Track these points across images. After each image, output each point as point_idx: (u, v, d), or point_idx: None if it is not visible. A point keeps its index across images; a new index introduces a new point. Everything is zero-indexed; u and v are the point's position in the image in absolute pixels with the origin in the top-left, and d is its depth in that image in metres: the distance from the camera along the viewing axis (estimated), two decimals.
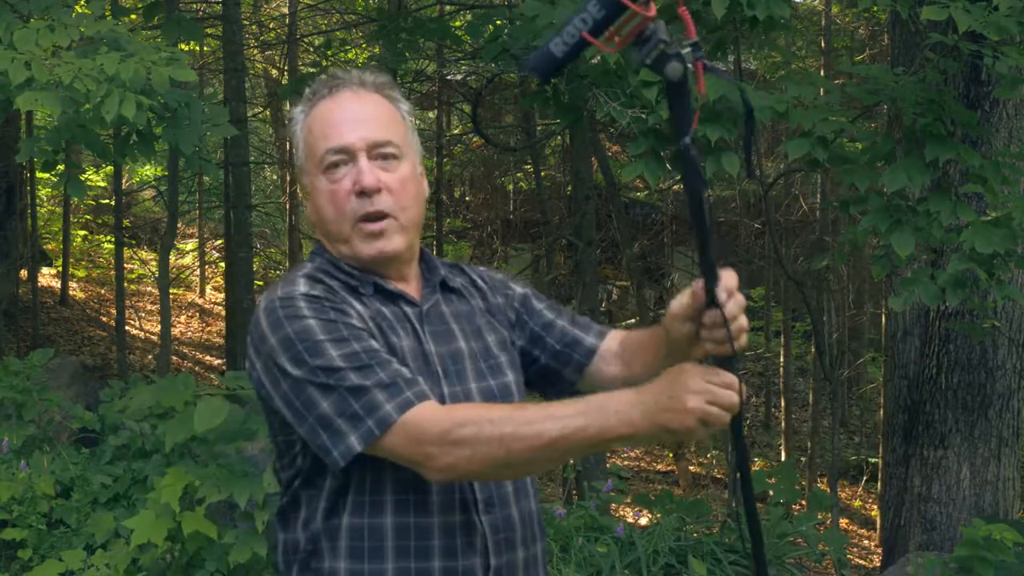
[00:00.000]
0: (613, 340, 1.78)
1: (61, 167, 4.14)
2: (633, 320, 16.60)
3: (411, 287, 1.67)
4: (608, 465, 7.90)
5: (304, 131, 1.64)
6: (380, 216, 1.60)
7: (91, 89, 3.59)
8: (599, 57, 4.26)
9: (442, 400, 1.55)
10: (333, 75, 1.66)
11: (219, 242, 13.98)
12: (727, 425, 1.46)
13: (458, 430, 1.44)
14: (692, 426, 1.42)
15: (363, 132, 1.60)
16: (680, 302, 1.50)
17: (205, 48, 11.78)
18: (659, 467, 12.86)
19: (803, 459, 12.12)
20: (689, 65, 1.32)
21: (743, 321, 1.46)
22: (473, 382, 1.62)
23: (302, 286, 1.57)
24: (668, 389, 1.42)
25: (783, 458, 12.11)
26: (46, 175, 4.14)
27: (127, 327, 8.99)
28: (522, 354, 1.76)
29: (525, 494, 1.63)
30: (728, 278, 1.44)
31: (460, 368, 1.62)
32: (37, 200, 11.46)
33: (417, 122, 1.78)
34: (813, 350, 10.93)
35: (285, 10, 12.62)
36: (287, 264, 13.55)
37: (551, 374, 1.78)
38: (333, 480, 1.55)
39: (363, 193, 1.59)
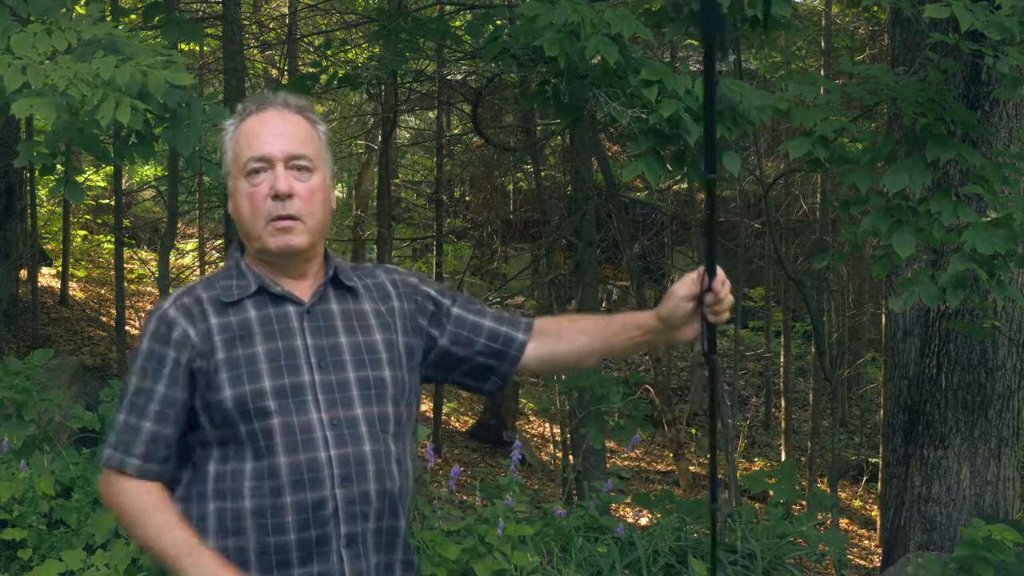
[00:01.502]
0: (540, 330, 2.03)
1: (60, 168, 4.13)
2: None
3: (304, 285, 1.90)
4: (608, 465, 7.90)
5: (233, 140, 1.89)
6: (290, 218, 1.85)
7: (86, 94, 3.58)
8: (599, 57, 4.25)
9: (313, 386, 1.81)
10: (263, 96, 1.94)
11: (219, 242, 13.98)
12: None
13: (108, 499, 1.91)
14: None
15: (282, 145, 1.85)
16: (685, 286, 1.84)
17: (205, 48, 11.77)
18: (659, 467, 12.86)
19: (803, 459, 12.12)
20: None
21: (731, 300, 1.84)
22: (352, 372, 1.84)
23: (180, 304, 1.86)
24: None
25: (783, 458, 12.11)
26: (46, 176, 4.15)
27: (127, 327, 8.99)
28: (445, 355, 1.99)
29: (389, 473, 1.83)
30: (720, 272, 1.81)
31: (339, 359, 1.85)
32: (37, 200, 11.45)
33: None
34: (813, 350, 10.92)
35: (285, 10, 12.62)
36: None
37: (485, 369, 2.01)
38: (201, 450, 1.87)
39: (277, 197, 1.84)
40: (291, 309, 1.87)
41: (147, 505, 1.82)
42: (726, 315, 1.83)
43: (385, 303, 1.95)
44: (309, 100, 1.96)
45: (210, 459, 1.83)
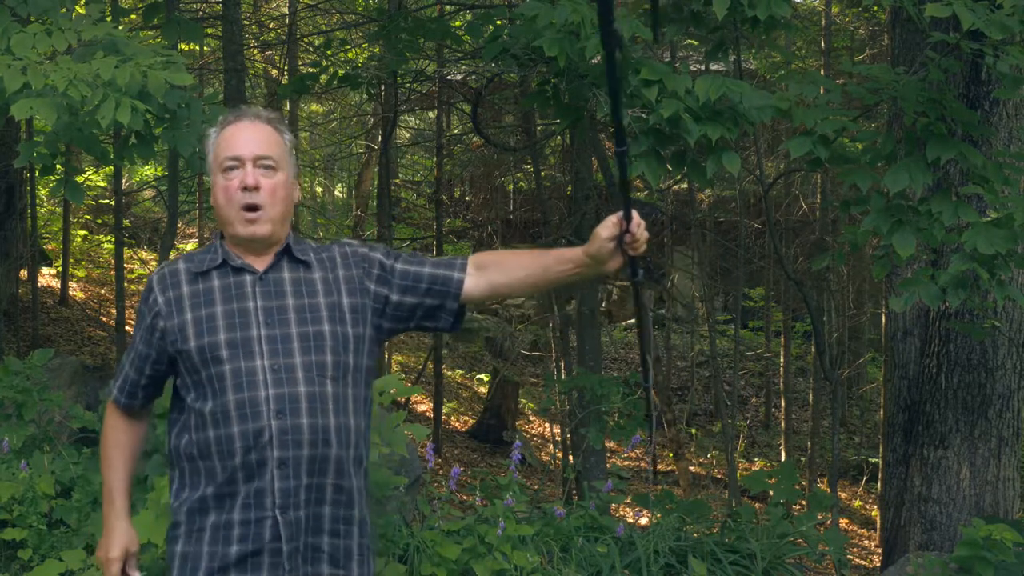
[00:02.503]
0: (474, 262, 2.37)
1: (60, 168, 4.12)
2: (633, 320, 16.59)
3: (263, 260, 2.30)
4: (608, 465, 7.90)
5: (214, 144, 2.32)
6: (255, 208, 2.26)
7: (86, 95, 3.58)
8: (599, 57, 4.25)
9: (260, 339, 2.22)
10: (240, 109, 2.37)
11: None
12: None
13: (104, 422, 2.47)
14: (99, 555, 2.41)
15: (251, 148, 2.27)
16: (606, 228, 2.22)
17: (205, 48, 11.77)
18: (659, 467, 12.86)
19: (803, 459, 12.12)
20: None
21: (646, 235, 2.22)
22: (294, 327, 2.24)
23: (161, 273, 2.32)
24: (108, 531, 2.39)
25: (783, 458, 12.10)
26: (46, 177, 4.15)
27: (127, 327, 8.99)
28: (399, 307, 2.35)
29: (323, 410, 2.20)
30: (636, 215, 2.21)
31: (284, 317, 2.25)
32: (37, 200, 11.45)
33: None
34: (813, 350, 10.92)
35: (285, 10, 12.62)
36: None
37: (435, 309, 2.36)
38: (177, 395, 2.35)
39: (246, 188, 2.25)
40: (247, 277, 2.29)
41: (111, 440, 2.42)
42: (643, 248, 2.23)
43: (333, 271, 2.32)
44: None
45: (188, 399, 2.26)
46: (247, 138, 2.28)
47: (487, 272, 2.35)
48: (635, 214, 2.20)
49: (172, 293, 2.28)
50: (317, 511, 2.22)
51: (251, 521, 2.19)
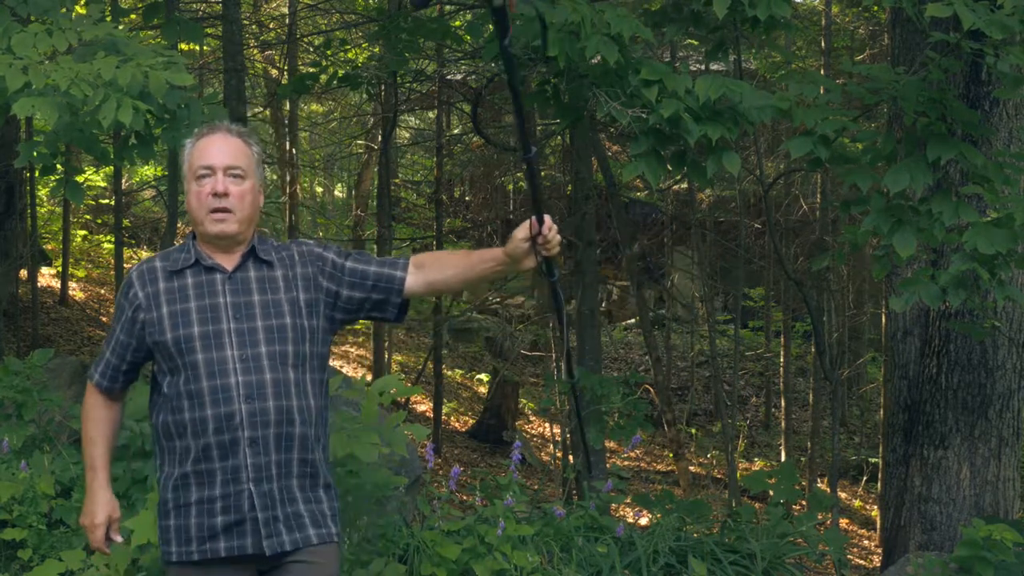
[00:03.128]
0: (414, 263, 2.66)
1: (60, 168, 4.12)
2: (632, 320, 16.60)
3: (232, 259, 2.58)
4: (608, 465, 7.90)
5: (189, 154, 2.60)
6: (224, 211, 2.54)
7: (88, 95, 3.58)
8: (599, 57, 4.25)
9: (229, 332, 2.50)
10: (214, 124, 2.65)
11: None
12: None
13: (83, 401, 2.74)
14: (83, 522, 2.70)
15: (223, 158, 2.55)
16: (522, 230, 2.49)
17: (205, 48, 11.77)
18: (659, 467, 12.86)
19: (803, 459, 12.11)
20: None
21: (558, 238, 2.49)
22: (260, 321, 2.53)
23: (140, 269, 2.61)
24: (91, 499, 2.66)
25: (783, 458, 12.10)
26: (46, 177, 4.15)
27: None
28: (350, 301, 2.64)
29: (287, 393, 2.50)
30: (548, 219, 2.47)
31: (251, 312, 2.53)
32: (37, 200, 11.45)
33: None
34: (813, 350, 10.92)
35: (285, 10, 12.62)
36: None
37: (382, 303, 2.66)
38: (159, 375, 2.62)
39: (216, 194, 2.53)
40: (218, 276, 2.56)
41: (92, 417, 2.69)
42: (556, 250, 2.50)
43: (292, 269, 2.61)
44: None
45: (165, 384, 2.54)
46: (218, 149, 2.56)
47: (424, 271, 2.65)
48: (547, 218, 2.47)
49: (150, 289, 2.57)
50: (288, 483, 2.52)
51: (231, 494, 2.48)
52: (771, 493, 5.36)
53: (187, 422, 2.48)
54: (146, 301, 2.56)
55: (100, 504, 2.65)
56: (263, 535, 2.49)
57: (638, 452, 12.81)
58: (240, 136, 2.62)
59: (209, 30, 9.78)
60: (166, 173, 9.87)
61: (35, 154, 3.98)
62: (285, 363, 2.51)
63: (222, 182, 2.54)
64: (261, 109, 13.44)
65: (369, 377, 9.49)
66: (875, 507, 11.44)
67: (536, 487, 7.95)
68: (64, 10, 4.14)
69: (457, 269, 2.66)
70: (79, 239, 13.82)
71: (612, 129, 10.56)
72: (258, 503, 2.48)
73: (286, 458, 2.51)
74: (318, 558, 2.55)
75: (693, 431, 13.56)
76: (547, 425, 13.21)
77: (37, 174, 6.35)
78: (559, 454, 9.72)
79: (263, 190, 2.69)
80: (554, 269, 2.58)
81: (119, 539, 2.70)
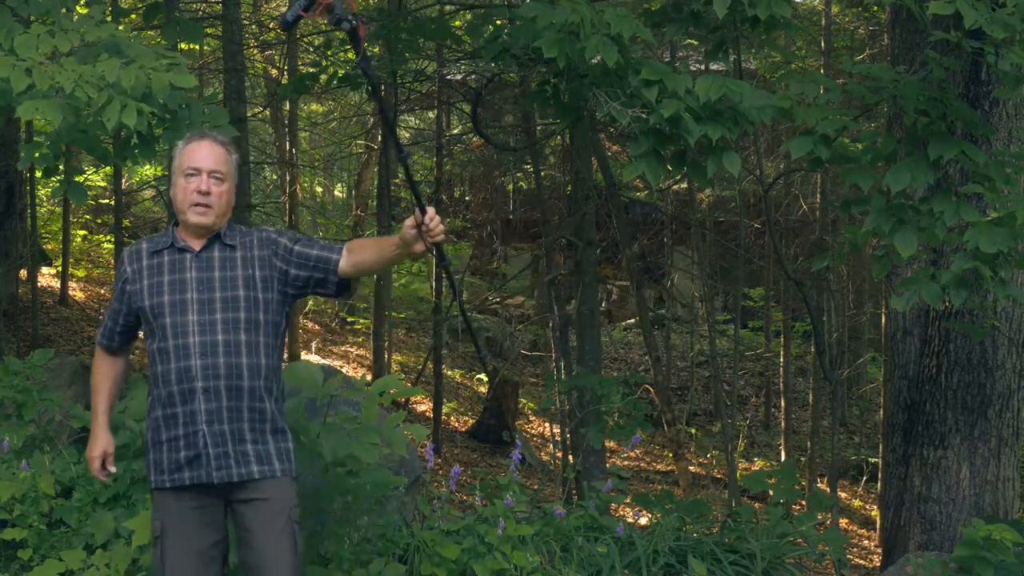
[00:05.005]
0: (347, 248, 3.16)
1: (61, 169, 4.12)
2: (632, 320, 16.60)
3: (200, 242, 3.12)
4: (608, 465, 7.90)
5: (180, 153, 3.15)
6: (206, 206, 3.09)
7: (92, 96, 3.59)
8: (599, 57, 4.25)
9: (193, 301, 3.06)
10: (202, 131, 3.26)
11: None
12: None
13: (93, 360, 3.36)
14: (86, 455, 3.30)
15: (208, 162, 3.11)
16: (410, 220, 2.93)
17: (205, 48, 11.77)
18: (659, 467, 12.86)
19: (803, 459, 12.11)
20: (353, 22, 2.69)
21: (441, 227, 2.94)
22: (218, 292, 3.07)
23: (130, 250, 3.19)
24: (93, 437, 3.25)
25: (783, 458, 12.10)
26: (47, 178, 4.16)
27: None
28: (296, 279, 3.15)
29: (237, 352, 3.04)
30: (431, 211, 2.93)
31: (211, 285, 3.08)
32: (37, 200, 11.45)
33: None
34: (813, 350, 10.92)
35: (285, 10, 12.60)
36: None
37: (322, 280, 3.16)
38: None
39: (200, 192, 3.08)
40: (188, 255, 3.12)
41: (98, 372, 3.30)
42: (440, 237, 2.95)
43: (251, 251, 3.14)
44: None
45: (148, 342, 3.11)
46: (205, 154, 3.11)
47: (352, 254, 3.14)
48: (430, 210, 2.93)
49: (136, 265, 3.14)
50: (239, 426, 3.03)
51: (190, 434, 3.02)
52: (771, 493, 5.36)
53: (159, 374, 3.04)
54: (132, 275, 3.13)
55: (99, 441, 3.23)
56: (214, 467, 3.01)
57: (638, 452, 12.82)
58: (223, 145, 3.17)
59: (209, 30, 9.78)
60: (166, 173, 9.86)
61: (37, 155, 3.98)
62: (237, 327, 3.05)
63: (206, 182, 3.09)
64: (261, 109, 13.44)
65: (369, 377, 9.49)
66: (875, 507, 11.44)
67: (536, 487, 7.96)
68: (65, 11, 4.14)
69: (373, 252, 3.16)
70: (79, 239, 13.82)
71: (612, 129, 10.56)
72: (210, 441, 3.01)
73: (236, 405, 3.03)
74: (268, 494, 3.04)
75: (693, 431, 13.56)
76: (547, 425, 13.21)
77: (38, 175, 6.35)
78: (559, 454, 9.72)
79: (236, 190, 3.23)
80: (444, 256, 3.08)
81: (113, 469, 3.27)
